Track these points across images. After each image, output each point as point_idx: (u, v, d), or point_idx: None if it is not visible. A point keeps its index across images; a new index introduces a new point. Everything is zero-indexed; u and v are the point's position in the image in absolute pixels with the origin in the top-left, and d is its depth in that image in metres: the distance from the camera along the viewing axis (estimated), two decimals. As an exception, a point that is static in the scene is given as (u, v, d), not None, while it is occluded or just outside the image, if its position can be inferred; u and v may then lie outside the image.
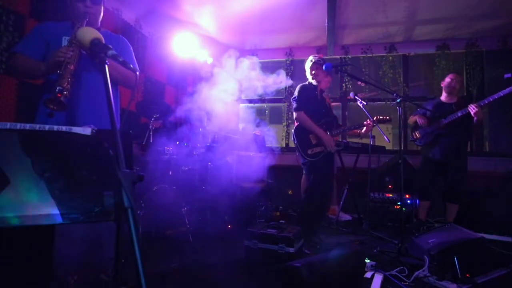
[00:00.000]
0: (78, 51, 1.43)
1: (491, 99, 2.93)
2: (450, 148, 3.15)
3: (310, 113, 2.70)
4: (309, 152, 2.65)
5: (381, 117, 2.93)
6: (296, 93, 2.76)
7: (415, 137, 3.41)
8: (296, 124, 2.79)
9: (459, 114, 3.06)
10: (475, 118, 2.98)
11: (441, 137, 3.20)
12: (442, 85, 3.36)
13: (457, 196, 3.15)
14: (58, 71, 1.36)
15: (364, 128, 2.91)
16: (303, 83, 2.83)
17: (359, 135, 3.02)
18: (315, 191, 2.66)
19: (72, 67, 1.38)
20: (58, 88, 1.31)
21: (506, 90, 2.86)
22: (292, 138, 2.80)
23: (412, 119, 3.46)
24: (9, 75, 2.48)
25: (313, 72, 2.77)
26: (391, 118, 3.03)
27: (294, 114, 2.76)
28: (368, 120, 2.91)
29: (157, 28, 4.35)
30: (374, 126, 2.92)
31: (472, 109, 2.96)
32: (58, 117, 1.54)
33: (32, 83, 2.55)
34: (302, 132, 2.71)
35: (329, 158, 2.73)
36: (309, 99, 2.73)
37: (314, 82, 2.79)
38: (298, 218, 2.84)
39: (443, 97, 3.33)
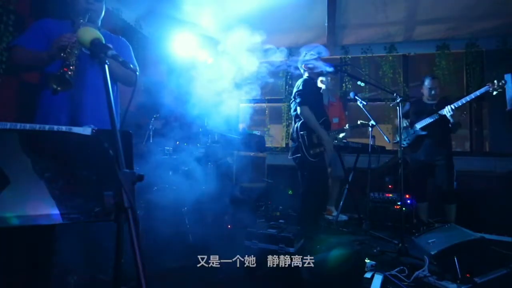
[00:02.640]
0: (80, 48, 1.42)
1: (464, 101, 2.99)
2: (432, 148, 3.19)
3: (312, 110, 2.56)
4: (311, 152, 2.54)
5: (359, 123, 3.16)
6: (300, 86, 2.61)
7: (398, 139, 3.43)
8: (300, 120, 2.62)
9: (436, 117, 3.12)
10: (451, 120, 3.04)
11: (422, 138, 3.26)
12: (421, 90, 3.41)
13: (450, 197, 3.15)
14: (62, 54, 1.32)
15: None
16: (306, 77, 2.70)
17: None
18: (315, 191, 2.59)
19: (76, 51, 1.34)
20: (65, 62, 1.26)
21: (478, 92, 2.95)
22: (295, 135, 2.60)
23: (395, 122, 3.53)
24: (9, 71, 2.47)
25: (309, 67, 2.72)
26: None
27: (298, 109, 2.58)
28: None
29: (157, 28, 4.35)
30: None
31: (447, 112, 3.03)
32: (60, 116, 1.54)
33: (33, 82, 2.55)
34: (308, 130, 2.55)
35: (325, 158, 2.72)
36: (313, 95, 2.63)
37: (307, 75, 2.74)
38: (298, 219, 2.83)
39: (425, 98, 3.37)
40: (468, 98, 2.99)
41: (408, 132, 3.35)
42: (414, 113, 3.34)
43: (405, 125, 3.37)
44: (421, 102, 3.39)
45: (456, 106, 3.02)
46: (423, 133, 3.23)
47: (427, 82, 3.33)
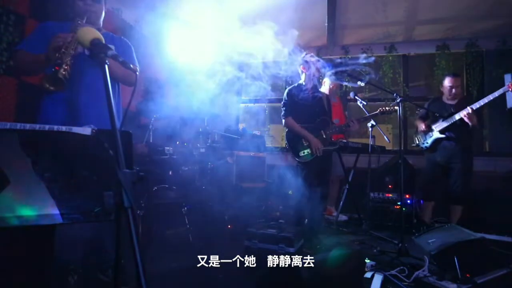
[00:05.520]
0: (79, 48, 1.42)
1: (482, 103, 2.90)
2: (450, 151, 3.11)
3: (301, 115, 2.69)
4: (301, 154, 2.68)
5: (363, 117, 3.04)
6: (285, 97, 2.76)
7: (416, 142, 3.40)
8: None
9: (453, 119, 3.03)
10: (469, 123, 2.95)
11: (441, 140, 3.17)
12: (441, 89, 3.31)
13: (459, 199, 3.11)
14: (57, 55, 1.33)
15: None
16: (291, 86, 2.82)
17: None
18: (308, 191, 2.66)
19: (72, 51, 1.35)
20: (57, 61, 1.26)
21: (496, 93, 2.87)
22: (286, 142, 2.81)
23: (416, 123, 3.45)
24: (10, 73, 2.47)
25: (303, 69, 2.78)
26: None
27: (283, 121, 2.77)
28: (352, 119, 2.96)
29: (157, 28, 4.35)
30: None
31: (464, 114, 2.93)
32: (60, 115, 1.54)
33: (32, 83, 2.55)
34: (293, 135, 2.73)
35: (324, 158, 2.72)
36: (298, 101, 2.70)
37: (303, 80, 2.78)
38: (297, 219, 2.84)
39: (445, 97, 3.26)
40: (486, 100, 2.88)
41: (427, 135, 3.26)
42: (433, 113, 3.20)
43: (423, 128, 3.29)
44: (440, 102, 3.25)
45: (474, 108, 2.90)
46: (442, 136, 3.13)
47: (447, 80, 3.18)
